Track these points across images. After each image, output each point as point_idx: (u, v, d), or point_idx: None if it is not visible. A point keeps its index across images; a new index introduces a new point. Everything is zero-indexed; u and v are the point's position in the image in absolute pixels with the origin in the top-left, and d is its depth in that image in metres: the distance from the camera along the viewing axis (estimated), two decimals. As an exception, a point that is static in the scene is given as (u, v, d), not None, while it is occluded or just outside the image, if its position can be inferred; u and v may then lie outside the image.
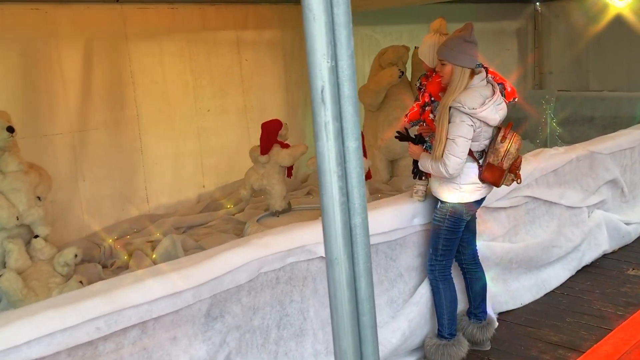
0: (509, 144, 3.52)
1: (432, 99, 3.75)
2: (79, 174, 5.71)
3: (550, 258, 4.46)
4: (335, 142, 1.54)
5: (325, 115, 1.53)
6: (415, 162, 3.93)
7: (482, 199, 3.68)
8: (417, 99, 3.97)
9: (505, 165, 3.52)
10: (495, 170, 3.52)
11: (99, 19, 5.76)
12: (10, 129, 4.27)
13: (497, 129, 3.59)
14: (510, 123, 3.63)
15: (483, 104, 3.37)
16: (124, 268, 4.97)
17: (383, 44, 7.96)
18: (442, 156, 3.41)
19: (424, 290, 3.60)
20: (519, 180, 3.63)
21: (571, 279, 4.66)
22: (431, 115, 3.79)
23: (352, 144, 1.56)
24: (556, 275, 4.53)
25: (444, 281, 3.61)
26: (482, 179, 3.57)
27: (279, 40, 7.24)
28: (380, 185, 7.05)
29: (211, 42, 6.62)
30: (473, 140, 3.49)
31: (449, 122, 3.40)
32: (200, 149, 6.60)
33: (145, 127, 6.13)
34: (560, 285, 4.55)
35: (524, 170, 4.01)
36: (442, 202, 3.60)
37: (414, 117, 3.94)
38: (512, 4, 9.98)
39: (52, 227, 5.45)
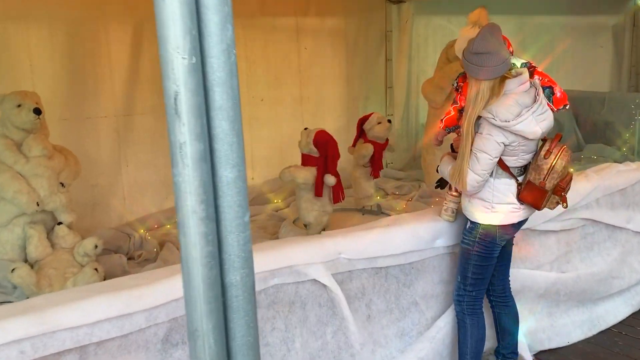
0: (555, 160, 3.04)
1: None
2: (123, 159, 5.59)
3: (609, 291, 3.92)
4: (196, 170, 1.17)
5: (181, 133, 1.16)
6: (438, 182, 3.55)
7: (522, 222, 3.21)
8: (454, 102, 3.54)
9: (549, 185, 3.05)
10: (536, 191, 3.05)
11: (151, 1, 5.58)
12: (37, 111, 4.14)
13: (542, 141, 3.11)
14: (558, 135, 3.14)
15: (519, 114, 2.91)
16: (152, 261, 4.80)
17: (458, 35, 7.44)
18: (459, 173, 3.02)
19: (443, 323, 3.19)
20: (564, 204, 3.14)
21: (634, 315, 4.09)
22: None
23: (229, 173, 1.18)
24: (615, 311, 3.98)
25: (472, 315, 3.18)
26: (520, 199, 3.12)
27: (341, 29, 6.87)
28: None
29: (269, 29, 6.34)
30: (508, 155, 3.04)
31: (477, 133, 3.00)
32: (250, 139, 6.35)
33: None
34: (619, 322, 4.00)
35: (582, 189, 3.50)
36: (472, 222, 3.17)
37: (450, 123, 3.52)
38: (609, -3, 9.13)
39: (91, 212, 5.41)
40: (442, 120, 3.58)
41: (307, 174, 4.52)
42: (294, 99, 6.62)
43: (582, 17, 9.13)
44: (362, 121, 5.18)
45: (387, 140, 5.21)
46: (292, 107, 6.62)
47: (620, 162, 6.78)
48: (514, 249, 3.35)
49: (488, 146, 2.96)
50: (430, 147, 6.51)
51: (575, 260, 3.76)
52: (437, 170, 3.47)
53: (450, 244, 3.25)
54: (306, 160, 4.69)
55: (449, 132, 3.59)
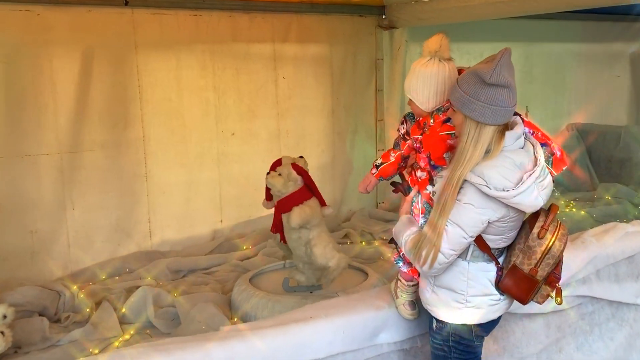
0: (552, 241, 2.33)
1: (433, 163, 2.61)
2: (68, 201, 4.97)
3: (615, 383, 3.16)
4: None
5: None
6: None
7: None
8: (396, 145, 2.87)
9: (541, 273, 2.34)
10: (524, 280, 2.35)
11: (103, 25, 5.00)
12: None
13: (534, 214, 2.40)
14: (554, 207, 2.42)
15: (520, 181, 2.22)
16: (84, 322, 4.13)
17: (459, 63, 6.75)
18: (420, 249, 2.32)
19: None
20: (559, 299, 2.43)
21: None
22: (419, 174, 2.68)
23: None
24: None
25: None
26: (500, 288, 2.41)
27: (326, 56, 6.23)
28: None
29: (241, 56, 5.71)
30: (493, 233, 2.34)
31: (452, 200, 2.28)
32: (219, 177, 5.72)
33: (152, 150, 5.32)
34: None
35: (578, 259, 2.78)
36: (438, 320, 2.47)
37: (387, 173, 2.86)
38: (627, 23, 8.38)
39: (29, 262, 4.81)
40: (375, 165, 2.93)
41: (317, 210, 3.89)
42: (270, 132, 5.98)
43: (596, 44, 8.42)
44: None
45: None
46: (268, 141, 5.97)
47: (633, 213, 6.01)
48: (488, 340, 2.64)
49: (465, 220, 2.27)
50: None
51: (570, 349, 3.01)
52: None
53: (398, 340, 2.54)
54: (287, 202, 3.95)
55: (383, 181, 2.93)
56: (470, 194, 2.26)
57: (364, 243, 5.88)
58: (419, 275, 2.72)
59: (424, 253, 2.32)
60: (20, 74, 4.70)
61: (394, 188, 2.83)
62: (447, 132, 2.54)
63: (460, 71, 2.76)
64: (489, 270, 2.42)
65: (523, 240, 2.36)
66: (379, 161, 2.95)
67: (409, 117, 2.85)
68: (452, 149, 2.44)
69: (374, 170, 2.93)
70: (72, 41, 4.89)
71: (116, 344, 3.93)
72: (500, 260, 2.43)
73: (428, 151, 2.62)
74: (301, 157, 4.26)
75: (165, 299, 4.34)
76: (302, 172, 3.92)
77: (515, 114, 2.40)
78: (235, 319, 3.96)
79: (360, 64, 6.47)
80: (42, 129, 4.81)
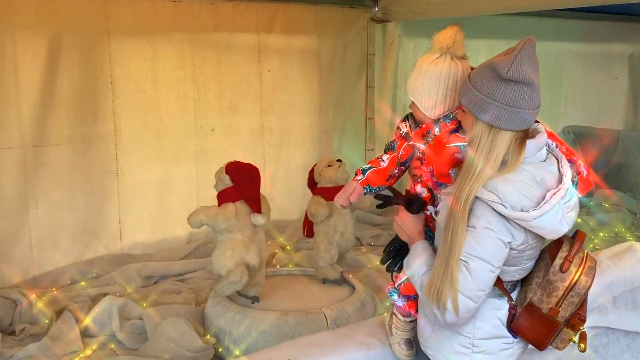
0: (577, 276, 1.98)
1: (436, 179, 2.25)
2: (31, 198, 4.57)
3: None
4: None
5: None
6: (395, 247, 2.40)
7: None
8: (389, 147, 2.50)
9: (563, 313, 1.99)
10: (542, 321, 2.00)
11: (72, 10, 4.60)
12: None
13: (556, 242, 2.05)
14: (581, 234, 2.06)
15: (542, 200, 1.87)
16: (42, 335, 3.75)
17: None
18: (439, 293, 1.91)
19: None
20: (582, 346, 2.08)
21: None
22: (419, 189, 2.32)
23: None
24: None
25: None
26: (514, 330, 2.07)
27: (314, 50, 5.86)
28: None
29: (223, 47, 5.33)
30: (507, 264, 1.98)
31: (468, 226, 1.90)
32: (197, 175, 5.34)
33: (124, 146, 4.93)
34: None
35: (596, 283, 2.42)
36: None
37: (376, 180, 2.46)
38: (627, 23, 8.09)
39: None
40: (361, 170, 2.49)
41: (231, 213, 3.61)
42: (253, 129, 5.60)
43: (594, 44, 8.13)
44: (312, 172, 4.18)
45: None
46: (251, 138, 5.60)
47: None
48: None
49: (488, 250, 1.88)
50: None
51: (583, 383, 2.70)
52: (394, 253, 2.39)
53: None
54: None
55: (369, 193, 2.51)
56: (485, 216, 1.87)
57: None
58: (416, 311, 2.37)
59: (442, 301, 1.89)
60: (-22, 60, 4.29)
61: (380, 202, 2.39)
62: (456, 144, 2.17)
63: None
64: (500, 308, 2.06)
65: (542, 274, 2.00)
66: (367, 166, 2.53)
67: (412, 118, 2.44)
68: (459, 164, 2.05)
69: (359, 177, 2.49)
70: (38, 25, 4.48)
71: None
72: (514, 295, 2.07)
73: (431, 165, 2.25)
74: (339, 160, 4.02)
75: (133, 310, 3.96)
76: (235, 173, 3.69)
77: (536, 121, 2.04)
78: (208, 336, 3.59)
79: (350, 59, 6.11)
80: (3, 120, 4.40)
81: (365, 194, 2.49)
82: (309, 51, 5.82)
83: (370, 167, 2.50)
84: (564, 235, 1.98)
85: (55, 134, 4.61)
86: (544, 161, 1.94)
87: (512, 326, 2.04)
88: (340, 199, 2.46)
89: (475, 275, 1.87)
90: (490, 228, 1.87)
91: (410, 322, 2.45)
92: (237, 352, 3.48)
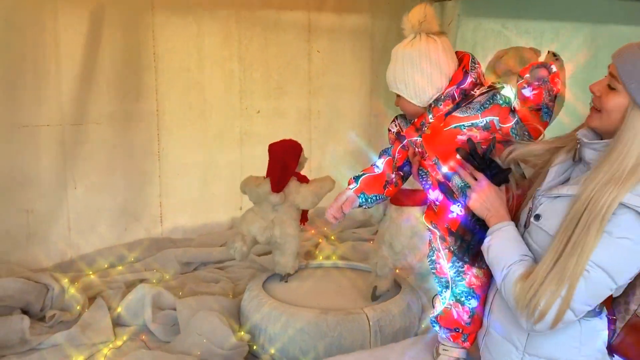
0: None
1: (446, 169, 2.00)
2: (69, 178, 4.44)
3: None
4: None
5: None
6: (467, 229, 2.00)
7: None
8: (385, 154, 2.29)
9: None
10: None
11: (116, -20, 4.42)
12: None
13: None
14: None
15: None
16: (72, 323, 3.61)
17: (516, 44, 6.00)
18: (538, 296, 1.60)
19: None
20: None
21: None
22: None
23: None
24: None
25: None
26: (616, 350, 1.74)
27: (366, 29, 5.55)
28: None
29: (271, 25, 5.08)
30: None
31: (596, 231, 1.55)
32: (241, 159, 5.13)
33: (167, 126, 4.75)
34: None
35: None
36: None
37: (371, 188, 2.25)
38: None
39: (23, 245, 4.30)
40: (353, 178, 2.26)
41: None
42: (301, 112, 5.36)
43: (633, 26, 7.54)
44: (290, 152, 3.90)
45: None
46: (298, 122, 5.35)
47: None
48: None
49: (617, 262, 1.57)
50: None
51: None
52: (464, 240, 2.05)
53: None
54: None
55: (363, 206, 2.25)
56: (627, 225, 1.54)
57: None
58: (464, 341, 2.09)
59: (541, 305, 1.59)
60: (19, 33, 4.14)
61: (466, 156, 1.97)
62: (456, 125, 1.95)
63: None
64: (601, 329, 1.74)
65: None
66: (360, 173, 2.29)
67: (401, 117, 2.20)
68: (465, 144, 1.87)
69: (352, 185, 2.24)
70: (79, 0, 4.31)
71: (105, 350, 3.39)
72: (618, 311, 1.75)
73: (435, 155, 1.99)
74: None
75: (167, 299, 3.78)
76: (271, 150, 3.72)
77: None
78: (242, 333, 3.38)
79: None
80: (43, 97, 4.26)
81: (360, 204, 2.24)
82: (361, 31, 5.52)
83: (363, 174, 2.27)
84: None
85: (96, 112, 4.46)
86: None
87: (615, 346, 1.72)
88: (332, 210, 2.21)
89: (592, 287, 1.57)
90: (630, 238, 1.54)
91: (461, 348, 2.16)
92: (272, 351, 3.26)
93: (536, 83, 1.86)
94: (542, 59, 5.29)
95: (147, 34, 4.57)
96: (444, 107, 1.96)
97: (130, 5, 4.48)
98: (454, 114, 1.95)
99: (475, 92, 1.95)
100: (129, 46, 4.52)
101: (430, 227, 2.12)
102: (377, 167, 2.25)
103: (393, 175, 2.23)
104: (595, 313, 1.71)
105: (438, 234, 2.07)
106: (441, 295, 2.13)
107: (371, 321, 3.26)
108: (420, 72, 1.95)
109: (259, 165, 5.13)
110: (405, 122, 2.14)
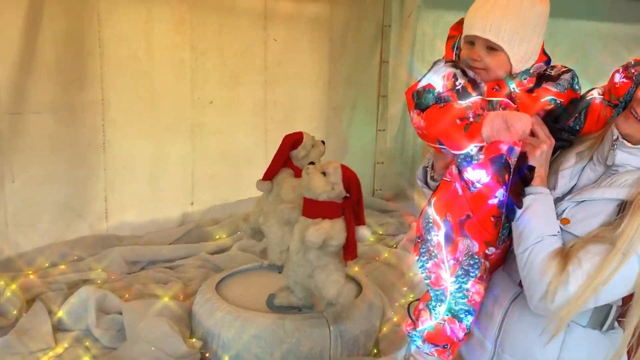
0: None
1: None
2: (7, 172, 4.13)
3: None
4: None
5: None
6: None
7: None
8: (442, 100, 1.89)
9: None
10: None
11: (56, -39, 4.11)
12: None
13: None
14: None
15: None
16: (9, 328, 3.33)
17: (475, 37, 5.92)
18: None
19: None
20: None
21: None
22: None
23: None
24: None
25: None
26: None
27: (325, 18, 5.36)
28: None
29: (226, 11, 4.84)
30: None
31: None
32: (192, 152, 4.89)
33: (112, 117, 4.47)
34: None
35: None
36: None
37: (458, 211, 1.82)
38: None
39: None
40: (435, 202, 1.80)
41: (343, 231, 2.97)
42: (256, 103, 5.14)
43: (625, 25, 7.59)
44: (289, 144, 3.59)
45: None
46: (253, 113, 5.14)
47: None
48: None
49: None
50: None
51: None
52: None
53: None
54: (324, 209, 3.10)
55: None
56: None
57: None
58: (451, 354, 1.88)
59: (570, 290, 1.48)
60: (-50, 14, 3.82)
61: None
62: (547, 97, 1.70)
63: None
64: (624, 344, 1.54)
65: None
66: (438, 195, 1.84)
67: (460, 73, 1.74)
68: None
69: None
70: (17, -21, 4.00)
71: (44, 359, 3.13)
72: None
73: None
74: (323, 142, 3.55)
75: (112, 302, 3.53)
76: (352, 186, 3.02)
77: None
78: (194, 340, 3.16)
79: (364, 30, 5.62)
80: (-23, 84, 3.94)
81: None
82: (319, 19, 5.33)
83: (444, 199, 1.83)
84: None
85: (36, 101, 4.15)
86: None
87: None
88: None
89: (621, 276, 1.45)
90: None
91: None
92: (226, 359, 3.06)
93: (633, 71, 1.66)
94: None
95: (91, 18, 4.28)
96: (528, 83, 1.72)
97: (74, -14, 4.18)
98: (546, 86, 1.70)
99: (551, 72, 1.73)
100: (72, 31, 4.22)
101: (438, 219, 1.78)
102: (452, 187, 1.81)
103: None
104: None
105: (444, 229, 1.79)
106: (433, 310, 1.88)
107: (331, 326, 3.09)
108: (537, 38, 1.69)
109: (212, 158, 4.94)
110: (465, 79, 1.81)
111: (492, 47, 1.67)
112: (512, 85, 1.68)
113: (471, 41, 1.69)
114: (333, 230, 2.88)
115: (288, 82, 5.25)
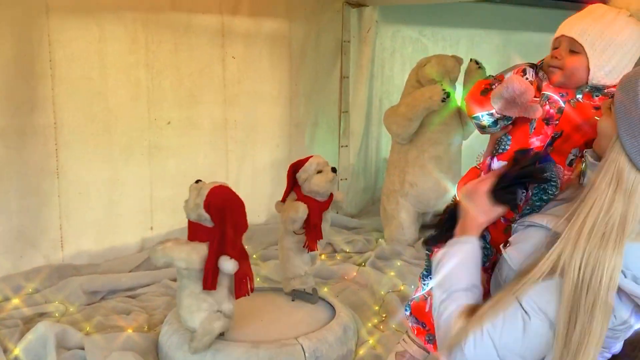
0: None
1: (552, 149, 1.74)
2: (-47, 202, 3.89)
3: None
4: None
5: None
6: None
7: None
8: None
9: None
10: None
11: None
12: None
13: None
14: None
15: None
16: (-41, 371, 3.10)
17: (434, 51, 5.92)
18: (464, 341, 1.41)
19: None
20: None
21: None
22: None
23: None
24: None
25: None
26: None
27: (284, 35, 5.27)
28: (404, 247, 5.03)
29: (182, 29, 4.70)
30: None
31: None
32: (150, 174, 4.71)
33: (66, 141, 4.26)
34: None
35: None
36: None
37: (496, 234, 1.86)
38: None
39: None
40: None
41: (193, 255, 2.88)
42: (216, 122, 5.00)
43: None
44: (295, 168, 3.56)
45: (330, 196, 3.59)
46: (213, 133, 4.99)
47: None
48: None
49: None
50: (392, 193, 4.98)
51: None
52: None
53: None
54: (195, 231, 3.04)
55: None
56: None
57: (323, 257, 4.98)
58: (432, 344, 1.85)
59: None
60: None
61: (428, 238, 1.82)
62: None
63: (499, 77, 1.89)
64: None
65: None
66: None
67: (533, 72, 1.85)
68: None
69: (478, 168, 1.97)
70: (-40, -2, 3.79)
71: (-1, 403, 2.92)
72: None
73: (561, 129, 1.73)
74: (333, 169, 3.43)
75: (73, 337, 3.32)
76: (216, 204, 2.93)
77: None
78: (162, 374, 2.99)
79: (323, 46, 5.55)
80: None
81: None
82: (278, 36, 5.24)
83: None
84: None
85: (-17, 126, 3.93)
86: None
87: None
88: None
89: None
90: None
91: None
92: (197, 393, 2.90)
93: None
94: (464, 66, 5.14)
95: (42, 38, 4.09)
96: (598, 101, 1.70)
97: (21, 6, 3.98)
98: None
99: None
100: (20, 52, 4.02)
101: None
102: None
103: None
104: None
105: None
106: (424, 281, 1.91)
107: (307, 352, 2.97)
108: (626, 57, 1.69)
109: (171, 180, 4.77)
110: (534, 78, 1.81)
111: (574, 50, 1.72)
112: (579, 96, 1.69)
113: (557, 46, 1.77)
114: (177, 251, 2.79)
115: (248, 100, 5.13)
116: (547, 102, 1.73)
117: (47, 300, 3.95)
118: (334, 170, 3.45)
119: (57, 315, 3.78)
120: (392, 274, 4.56)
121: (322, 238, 3.51)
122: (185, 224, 4.84)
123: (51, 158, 4.23)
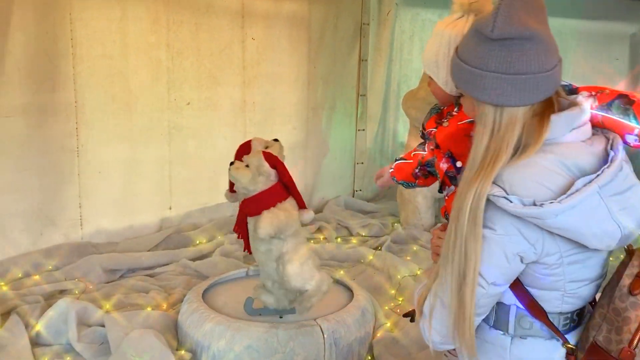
0: None
1: (457, 163, 1.86)
2: (-25, 178, 3.92)
3: None
4: None
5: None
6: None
7: None
8: (420, 146, 2.27)
9: None
10: None
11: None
12: None
13: (628, 253, 1.50)
14: None
15: (568, 190, 1.32)
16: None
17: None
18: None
19: None
20: None
21: None
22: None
23: None
24: None
25: None
26: None
27: (303, 17, 5.25)
28: (420, 232, 5.03)
29: (202, 10, 4.70)
30: (544, 287, 1.46)
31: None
32: (169, 155, 4.73)
33: (86, 119, 4.28)
34: None
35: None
36: None
37: (405, 177, 2.30)
38: (629, 1, 7.62)
39: None
40: (393, 165, 2.37)
41: (293, 215, 2.89)
42: (234, 104, 5.00)
43: (595, 22, 7.66)
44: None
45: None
46: (231, 114, 5.00)
47: None
48: None
49: (486, 259, 1.37)
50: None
51: None
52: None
53: None
54: (255, 203, 2.93)
55: (407, 187, 2.40)
56: (488, 216, 1.37)
57: (339, 240, 5.00)
58: None
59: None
60: None
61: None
62: (468, 120, 1.78)
63: None
64: (551, 351, 1.52)
65: (607, 301, 1.46)
66: (400, 157, 2.39)
67: (435, 111, 2.09)
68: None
69: (390, 168, 2.40)
70: (-16, -25, 3.80)
71: (22, 377, 2.96)
72: (571, 336, 1.54)
73: (447, 148, 1.87)
74: (276, 140, 3.25)
75: (93, 314, 3.37)
76: (277, 163, 2.93)
77: (573, 90, 1.49)
78: (183, 352, 3.03)
79: (342, 29, 5.52)
80: (-58, 86, 3.74)
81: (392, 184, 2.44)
82: (298, 18, 5.21)
83: (400, 159, 2.37)
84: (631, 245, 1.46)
85: (5, 104, 3.94)
86: (585, 142, 1.40)
87: None
88: (375, 178, 2.50)
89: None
90: (494, 228, 1.37)
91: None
92: (217, 371, 2.93)
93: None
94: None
95: (63, 17, 4.09)
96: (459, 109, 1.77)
97: (44, -17, 3.99)
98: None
99: None
100: (42, 31, 4.03)
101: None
102: (412, 157, 2.28)
103: (417, 170, 2.23)
104: (541, 334, 1.51)
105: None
106: None
107: (325, 333, 2.99)
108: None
109: (189, 161, 4.79)
110: (438, 119, 1.94)
111: (430, 77, 1.92)
112: (456, 108, 1.86)
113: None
114: (282, 217, 2.80)
115: (267, 82, 5.12)
116: (429, 138, 2.01)
117: (67, 277, 4.00)
118: (276, 140, 3.28)
119: (76, 292, 3.82)
120: (408, 258, 4.58)
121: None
122: (203, 204, 4.92)
123: (72, 137, 4.25)
